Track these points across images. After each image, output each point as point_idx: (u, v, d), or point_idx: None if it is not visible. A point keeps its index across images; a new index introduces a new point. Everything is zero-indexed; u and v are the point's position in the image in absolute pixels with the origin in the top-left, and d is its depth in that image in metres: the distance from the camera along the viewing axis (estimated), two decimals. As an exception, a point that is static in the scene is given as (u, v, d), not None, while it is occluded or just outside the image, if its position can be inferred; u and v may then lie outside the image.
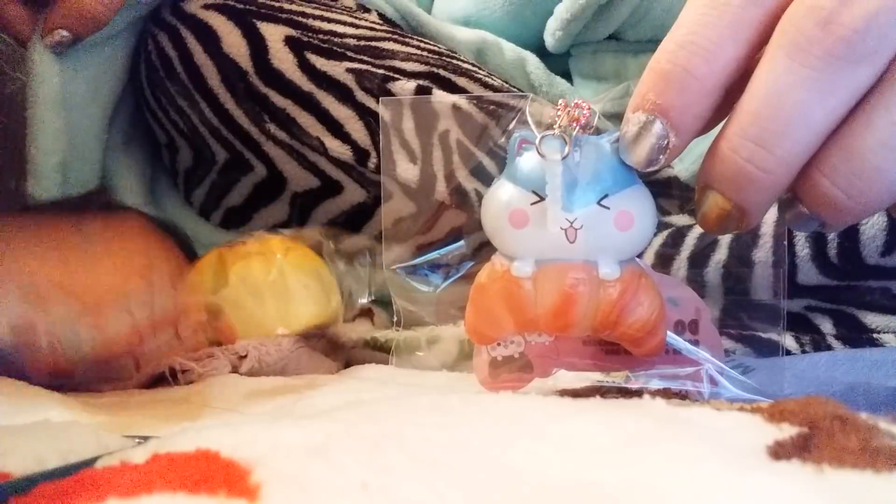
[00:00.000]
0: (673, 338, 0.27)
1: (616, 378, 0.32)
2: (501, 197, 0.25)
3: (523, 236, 0.25)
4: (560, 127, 0.25)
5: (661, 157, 0.23)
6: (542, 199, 0.25)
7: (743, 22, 0.22)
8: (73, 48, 0.44)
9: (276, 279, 0.40)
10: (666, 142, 0.23)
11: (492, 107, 0.46)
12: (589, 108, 0.25)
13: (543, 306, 0.25)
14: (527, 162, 0.25)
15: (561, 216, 0.25)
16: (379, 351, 0.42)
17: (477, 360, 0.28)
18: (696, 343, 0.27)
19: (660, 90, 0.23)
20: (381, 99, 0.32)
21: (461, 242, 0.31)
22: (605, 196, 0.25)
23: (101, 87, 0.48)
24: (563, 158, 0.24)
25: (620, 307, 0.25)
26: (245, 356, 0.36)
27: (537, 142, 0.24)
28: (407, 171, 0.38)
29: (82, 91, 0.45)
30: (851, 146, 0.21)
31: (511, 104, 0.28)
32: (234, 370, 0.36)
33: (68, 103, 0.44)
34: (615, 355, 0.28)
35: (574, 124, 0.25)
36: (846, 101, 0.21)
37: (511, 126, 0.28)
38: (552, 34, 0.56)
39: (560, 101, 0.25)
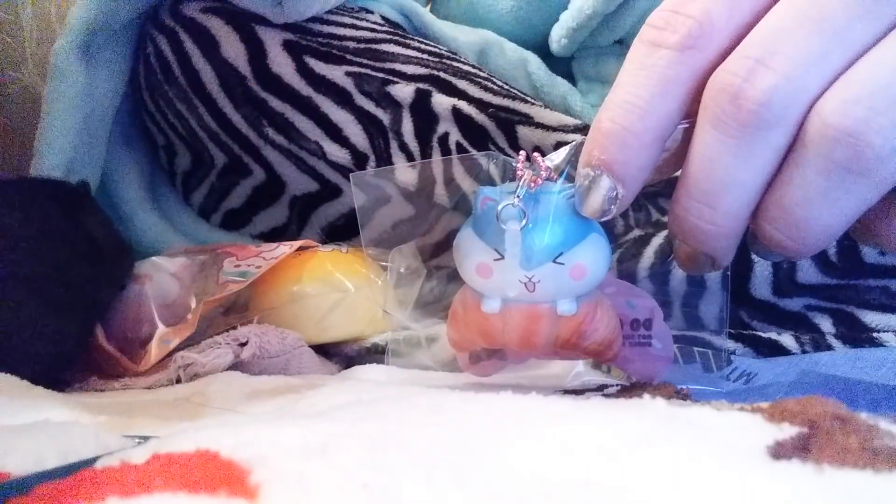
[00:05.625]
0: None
1: (616, 378, 0.33)
2: (468, 248, 0.28)
3: (489, 284, 0.28)
4: (518, 196, 0.27)
5: (612, 207, 0.25)
6: (503, 257, 0.27)
7: (669, 80, 0.24)
8: (94, 47, 0.44)
9: (341, 284, 0.42)
10: (615, 193, 0.25)
11: (491, 110, 0.46)
12: (546, 168, 0.27)
13: (510, 337, 0.28)
14: (489, 221, 0.27)
15: (520, 274, 0.27)
16: (381, 354, 0.42)
17: (460, 355, 0.31)
18: (649, 337, 0.31)
19: (602, 147, 0.25)
20: (351, 175, 0.33)
21: None
22: (561, 254, 0.27)
23: (117, 84, 0.49)
24: (521, 228, 0.26)
25: (578, 335, 0.28)
26: (246, 343, 0.37)
27: (499, 209, 0.27)
28: (406, 174, 0.38)
29: (102, 90, 0.46)
30: (782, 199, 0.24)
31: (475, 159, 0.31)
32: (236, 358, 0.36)
33: (88, 103, 0.44)
34: None
35: (532, 185, 0.27)
36: (769, 160, 0.23)
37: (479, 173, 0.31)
38: (557, 41, 0.56)
39: (520, 155, 0.27)
